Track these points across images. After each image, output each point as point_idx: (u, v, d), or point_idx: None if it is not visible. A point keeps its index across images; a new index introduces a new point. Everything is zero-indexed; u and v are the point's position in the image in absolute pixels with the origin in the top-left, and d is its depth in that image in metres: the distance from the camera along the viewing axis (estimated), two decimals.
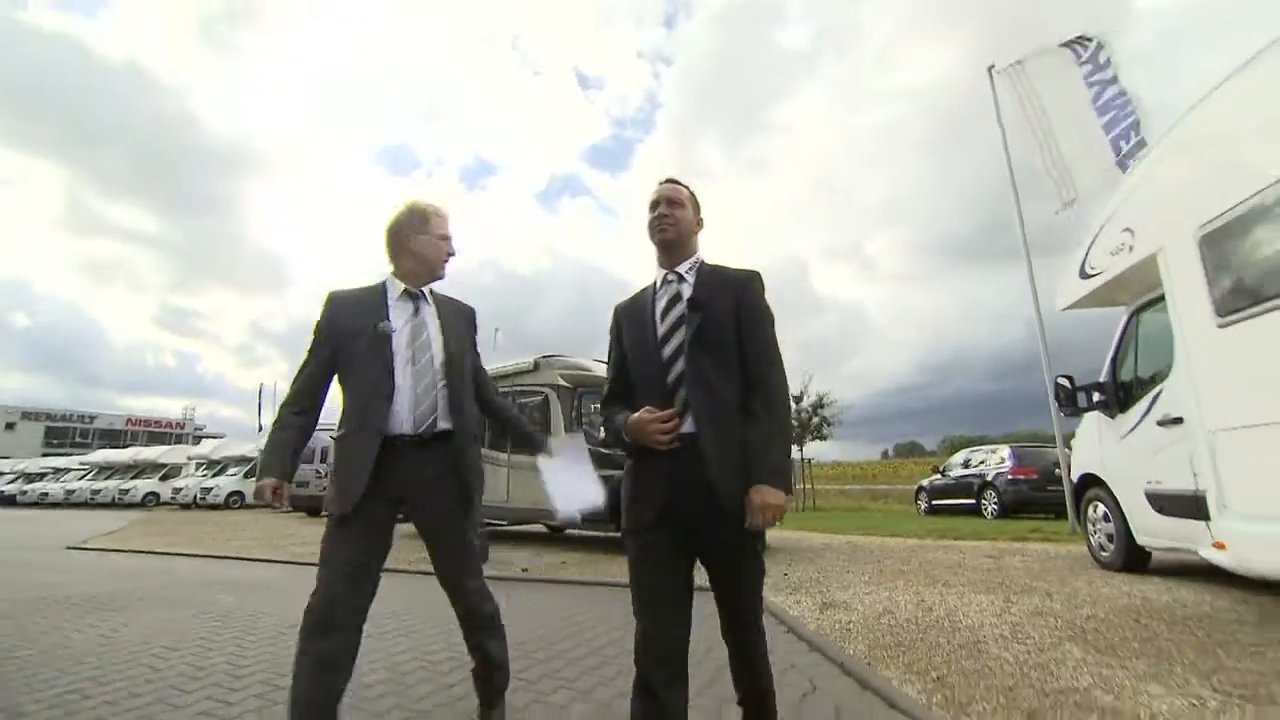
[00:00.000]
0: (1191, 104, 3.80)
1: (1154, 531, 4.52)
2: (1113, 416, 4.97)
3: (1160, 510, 4.35)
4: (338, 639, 1.73)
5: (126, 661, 2.99)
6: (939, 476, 14.98)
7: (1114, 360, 5.06)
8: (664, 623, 1.52)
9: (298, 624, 1.73)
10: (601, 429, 1.79)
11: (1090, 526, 5.48)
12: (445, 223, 2.09)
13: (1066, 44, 8.87)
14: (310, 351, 1.96)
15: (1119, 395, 4.95)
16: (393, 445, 1.86)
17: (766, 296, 1.70)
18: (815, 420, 19.42)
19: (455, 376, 2.00)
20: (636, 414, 1.59)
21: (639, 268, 1.73)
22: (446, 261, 2.11)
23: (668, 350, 1.64)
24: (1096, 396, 5.17)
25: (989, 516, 12.35)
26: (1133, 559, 4.90)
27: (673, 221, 1.72)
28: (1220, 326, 3.49)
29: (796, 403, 19.50)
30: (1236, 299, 3.38)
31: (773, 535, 8.99)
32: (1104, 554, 5.24)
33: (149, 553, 8.11)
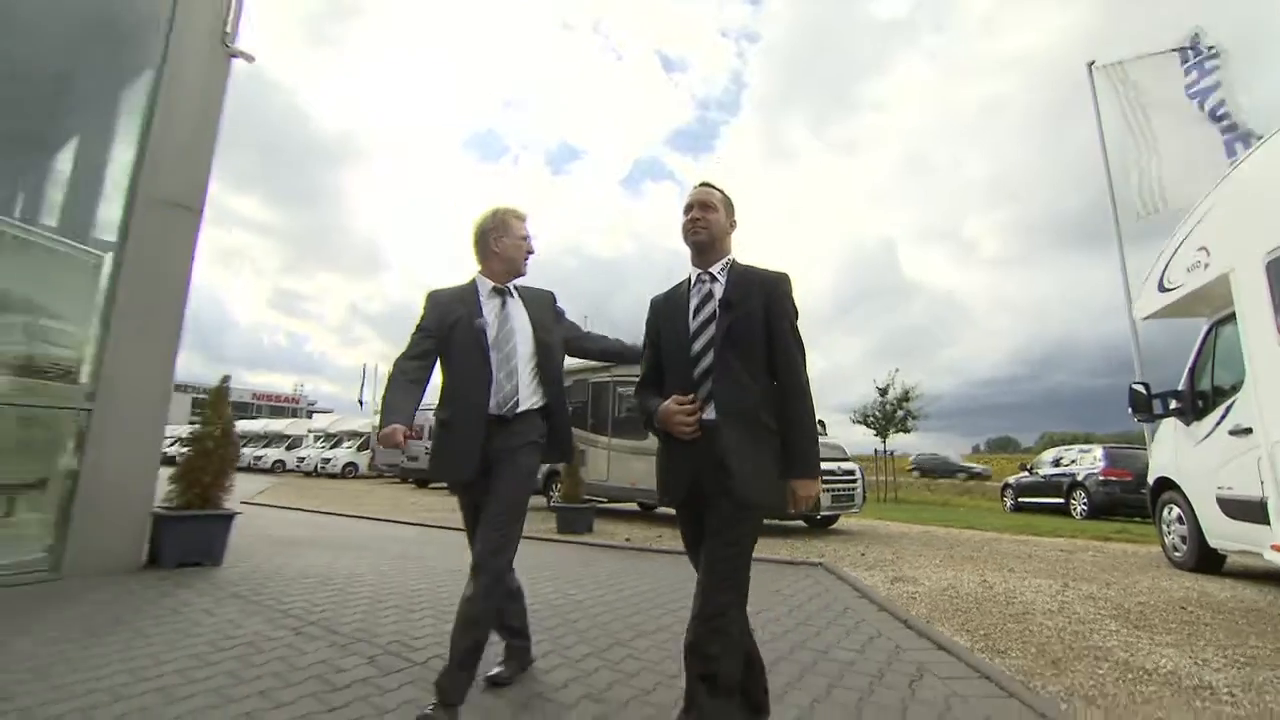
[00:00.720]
0: (1267, 136, 4.03)
1: (1224, 535, 4.77)
2: (1188, 424, 5.20)
3: (1230, 515, 4.61)
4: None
5: (358, 580, 4.08)
6: (1026, 474, 14.72)
7: (1192, 370, 5.26)
8: None
9: (454, 568, 2.37)
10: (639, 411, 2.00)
11: (1165, 528, 5.70)
12: (524, 225, 2.35)
13: (1177, 49, 8.61)
14: (415, 341, 2.20)
15: (1195, 403, 5.16)
16: (489, 422, 2.13)
17: (794, 297, 1.84)
18: (900, 414, 19.33)
19: (544, 357, 2.28)
20: (665, 402, 1.78)
21: None
22: (527, 260, 2.37)
23: (697, 345, 1.78)
24: (1173, 404, 5.39)
25: (1077, 517, 12.16)
26: (1205, 560, 5.14)
27: (705, 225, 1.85)
28: None
29: (882, 395, 19.49)
30: None
31: (852, 523, 9.50)
32: (1177, 554, 5.47)
33: (309, 510, 9.70)
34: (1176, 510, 5.44)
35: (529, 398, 2.19)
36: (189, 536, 4.46)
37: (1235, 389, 4.59)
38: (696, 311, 1.82)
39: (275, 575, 4.23)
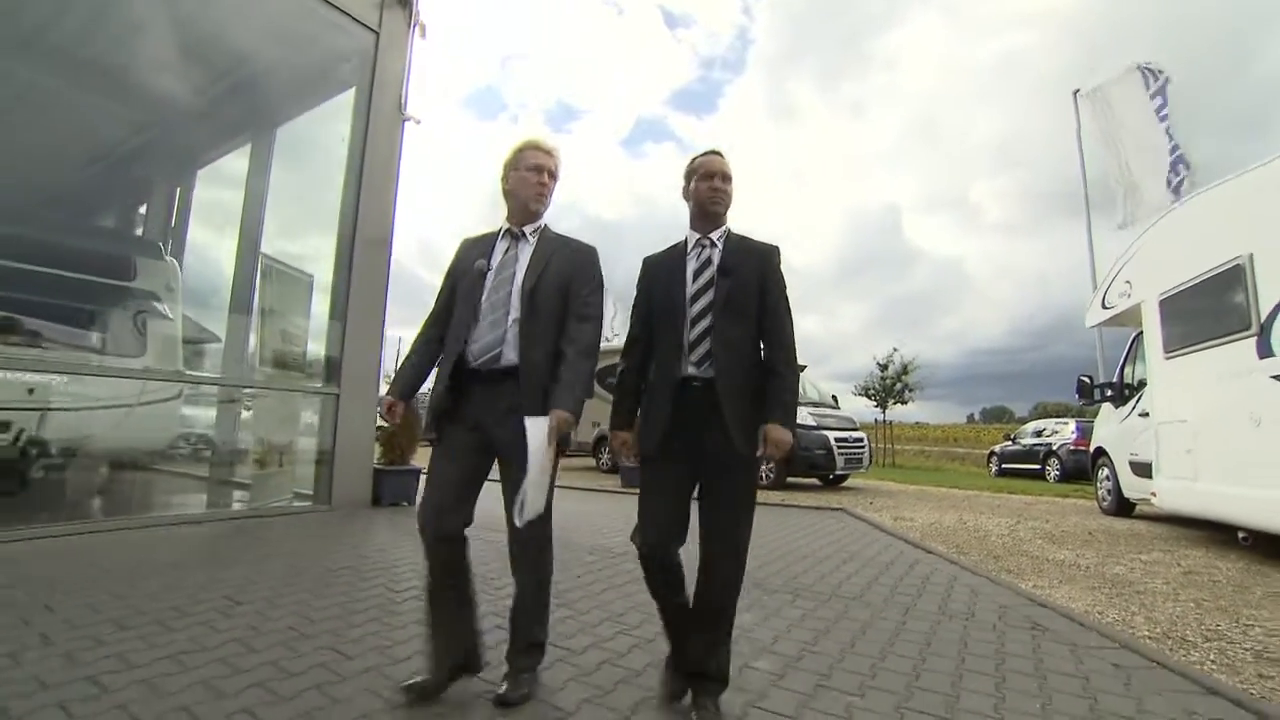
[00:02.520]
0: (1165, 211, 5.74)
1: (1132, 487, 6.63)
2: (1116, 407, 7.02)
3: (1136, 473, 6.46)
4: (446, 545, 1.89)
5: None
6: (1010, 443, 16.66)
7: (1121, 367, 7.05)
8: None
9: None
10: (618, 375, 2.04)
11: (1098, 485, 7.58)
12: (535, 153, 2.02)
13: (1140, 69, 10.11)
14: (440, 289, 2.10)
15: (1122, 392, 6.97)
16: (470, 375, 1.90)
17: (783, 268, 1.91)
18: (898, 386, 21.20)
19: (530, 310, 1.91)
20: (620, 437, 1.98)
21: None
22: (539, 196, 2.02)
23: (696, 308, 1.83)
24: (1109, 392, 7.19)
25: (1050, 481, 14.12)
26: (1121, 507, 7.01)
27: (724, 195, 1.91)
28: (1166, 358, 5.57)
29: (882, 370, 21.34)
30: (1174, 343, 5.45)
31: (858, 481, 11.42)
32: (1104, 504, 7.37)
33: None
34: (1106, 471, 7.31)
35: (510, 355, 1.89)
36: (394, 484, 6.28)
37: (1143, 384, 6.38)
38: (696, 275, 1.87)
39: None
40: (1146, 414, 6.13)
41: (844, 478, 10.63)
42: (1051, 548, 5.06)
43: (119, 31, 6.15)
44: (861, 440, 10.33)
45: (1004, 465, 16.48)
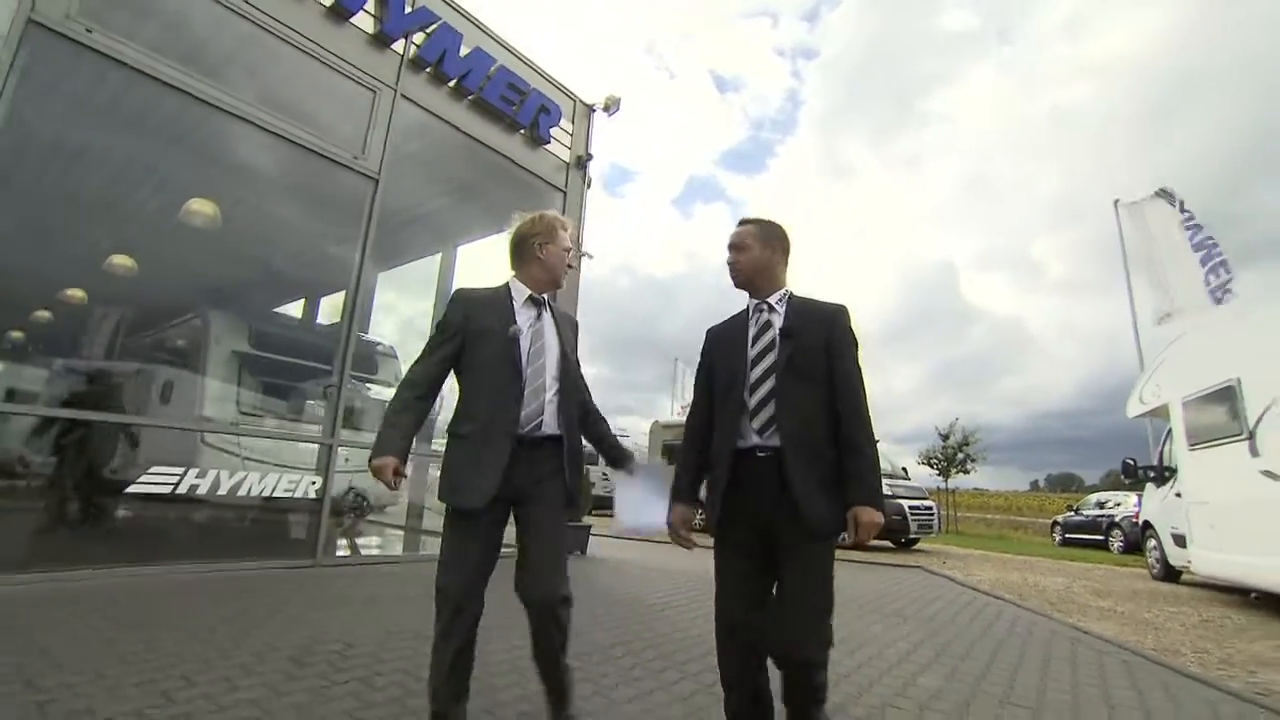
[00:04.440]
0: (1185, 332, 7.25)
1: (1175, 556, 7.81)
2: (1158, 486, 8.27)
3: (1176, 544, 7.67)
4: (465, 626, 1.86)
5: (669, 600, 7.60)
6: (1073, 513, 17.33)
7: (1160, 451, 8.34)
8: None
9: None
10: (679, 450, 2.09)
11: (1148, 554, 8.71)
12: (569, 236, 2.16)
13: (1159, 194, 11.66)
14: (433, 345, 2.00)
15: (1163, 474, 8.23)
16: (516, 444, 1.90)
17: (853, 327, 1.86)
18: (960, 456, 22.06)
19: (568, 382, 2.04)
20: (678, 511, 1.95)
21: None
22: (567, 273, 2.18)
23: (756, 372, 1.81)
24: (1151, 473, 8.46)
25: (1115, 552, 14.79)
26: (1169, 574, 8.15)
27: (738, 266, 1.94)
28: (1190, 450, 6.94)
29: (944, 440, 22.29)
30: (1195, 437, 6.85)
31: (927, 545, 12.59)
32: (1153, 570, 8.50)
33: None
34: (1153, 541, 8.47)
35: (552, 423, 1.98)
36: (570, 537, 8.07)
37: (1177, 469, 7.68)
38: (755, 340, 1.86)
39: (620, 563, 7.81)
40: (1180, 494, 7.42)
41: (915, 541, 11.87)
42: (1098, 600, 6.39)
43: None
44: (931, 508, 11.63)
45: (1067, 535, 17.11)
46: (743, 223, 1.99)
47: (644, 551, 8.04)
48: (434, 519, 8.55)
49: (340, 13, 5.54)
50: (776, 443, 1.75)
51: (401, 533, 8.09)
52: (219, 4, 4.79)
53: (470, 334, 1.98)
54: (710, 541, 1.90)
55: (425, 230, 9.08)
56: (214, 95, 4.81)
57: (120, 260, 7.59)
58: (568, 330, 2.16)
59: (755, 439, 1.79)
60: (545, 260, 2.10)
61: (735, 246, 1.96)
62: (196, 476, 4.62)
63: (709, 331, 2.05)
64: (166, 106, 5.28)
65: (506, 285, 2.12)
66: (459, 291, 2.10)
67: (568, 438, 2.04)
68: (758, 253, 1.93)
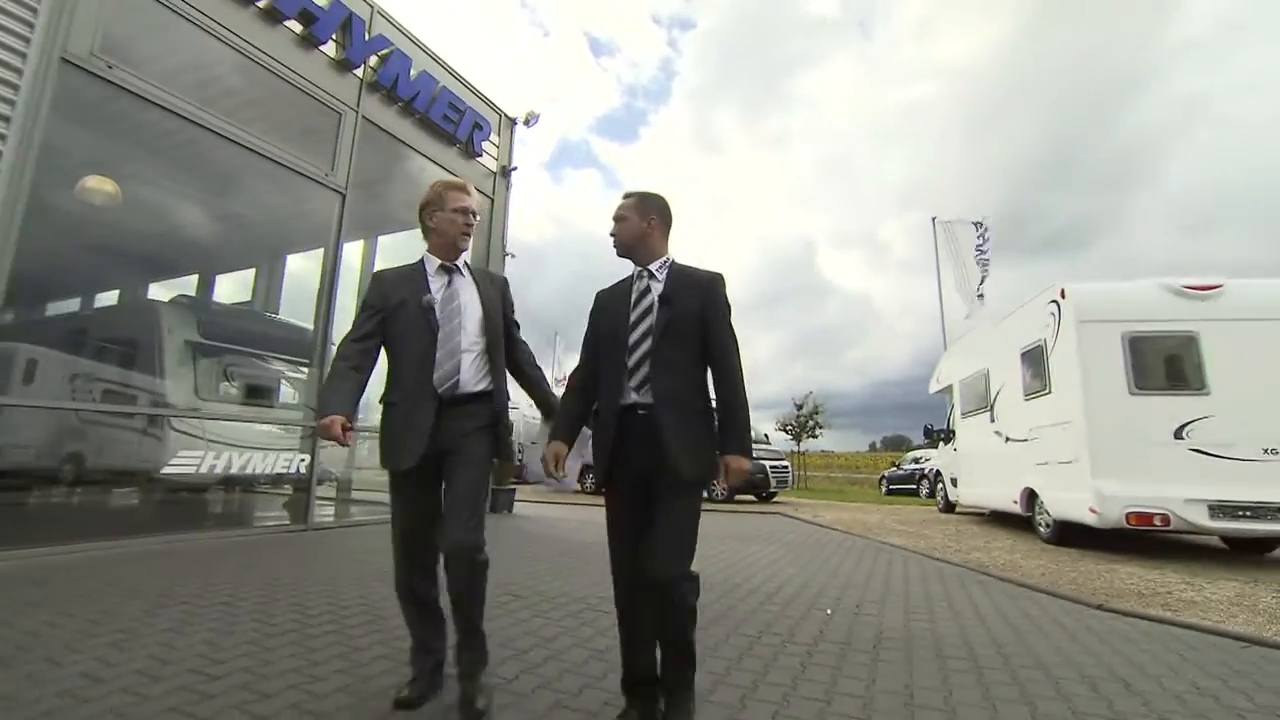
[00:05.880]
0: (964, 332, 9.98)
1: (953, 494, 10.73)
2: (945, 444, 11.19)
3: (953, 485, 10.56)
4: (415, 566, 2.04)
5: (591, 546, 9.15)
6: (896, 469, 21.28)
7: (948, 420, 11.25)
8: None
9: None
10: (561, 398, 2.16)
11: (938, 495, 11.73)
12: (461, 196, 2.18)
13: (973, 222, 14.98)
14: (359, 322, 2.11)
15: (949, 435, 11.13)
16: (438, 404, 2.01)
17: (728, 294, 1.98)
18: (810, 423, 25.69)
19: (493, 338, 2.14)
20: (555, 448, 1.99)
21: None
22: (466, 235, 2.20)
23: (635, 335, 1.93)
24: (942, 435, 11.37)
25: (923, 497, 18.64)
26: (948, 507, 11.13)
27: (617, 235, 2.06)
28: (962, 417, 9.70)
29: (798, 409, 25.78)
30: (965, 408, 9.59)
31: (784, 498, 15.27)
32: (939, 505, 11.52)
33: None
34: (942, 485, 11.44)
35: (473, 381, 2.08)
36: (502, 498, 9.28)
37: (955, 432, 10.54)
38: (635, 304, 1.98)
39: (536, 517, 9.22)
40: (956, 450, 10.25)
41: (775, 494, 14.43)
42: (900, 526, 8.91)
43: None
44: (787, 467, 14.21)
45: (891, 486, 21.02)
46: (626, 195, 2.09)
47: (566, 511, 9.52)
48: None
49: (311, 40, 6.21)
50: (651, 400, 1.88)
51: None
52: (225, 44, 5.38)
53: (389, 310, 2.09)
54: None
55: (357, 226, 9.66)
56: (219, 125, 5.40)
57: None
58: (490, 289, 2.24)
59: (634, 396, 1.90)
60: (437, 227, 2.18)
61: (616, 218, 2.07)
62: (214, 459, 5.38)
63: (598, 295, 2.14)
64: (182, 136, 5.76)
65: (421, 260, 2.22)
66: (377, 273, 2.21)
67: (496, 392, 2.14)
68: (635, 223, 2.03)
